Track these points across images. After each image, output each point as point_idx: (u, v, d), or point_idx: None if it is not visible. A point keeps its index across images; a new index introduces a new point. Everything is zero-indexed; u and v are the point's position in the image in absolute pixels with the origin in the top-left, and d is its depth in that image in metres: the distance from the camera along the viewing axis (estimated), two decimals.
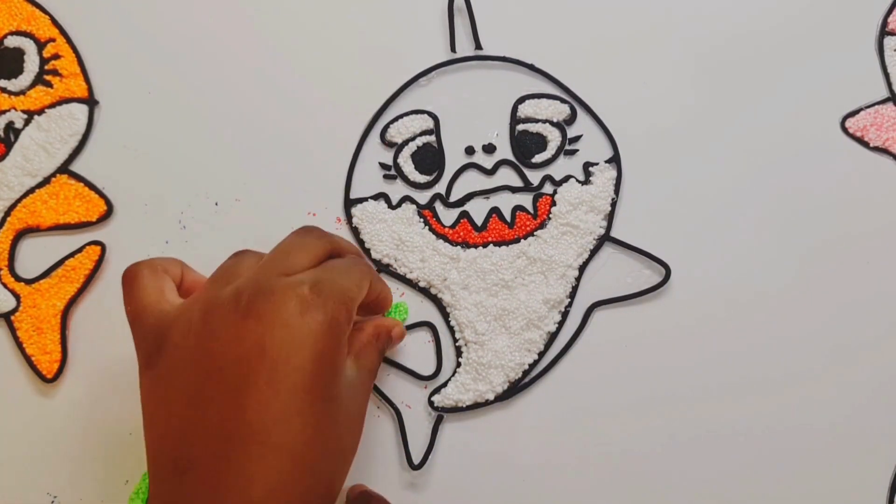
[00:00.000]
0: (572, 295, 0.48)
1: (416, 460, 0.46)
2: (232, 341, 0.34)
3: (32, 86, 0.50)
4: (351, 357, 0.38)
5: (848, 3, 0.51)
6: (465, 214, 0.49)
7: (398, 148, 0.49)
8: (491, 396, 0.47)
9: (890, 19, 0.50)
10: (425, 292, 0.48)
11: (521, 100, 0.50)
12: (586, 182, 0.49)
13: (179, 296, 0.39)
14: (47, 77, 0.50)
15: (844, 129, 0.49)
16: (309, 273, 0.36)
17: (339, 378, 0.36)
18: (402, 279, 0.48)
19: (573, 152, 0.50)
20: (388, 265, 0.48)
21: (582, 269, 0.48)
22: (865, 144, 0.49)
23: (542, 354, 0.47)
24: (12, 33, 0.50)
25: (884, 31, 0.50)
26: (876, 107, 0.50)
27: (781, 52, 0.50)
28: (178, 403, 0.34)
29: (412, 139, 0.50)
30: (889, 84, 0.50)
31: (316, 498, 0.34)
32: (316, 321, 0.34)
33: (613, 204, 0.49)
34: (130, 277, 0.38)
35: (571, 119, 0.50)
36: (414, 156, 0.49)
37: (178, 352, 0.35)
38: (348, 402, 0.37)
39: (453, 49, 0.51)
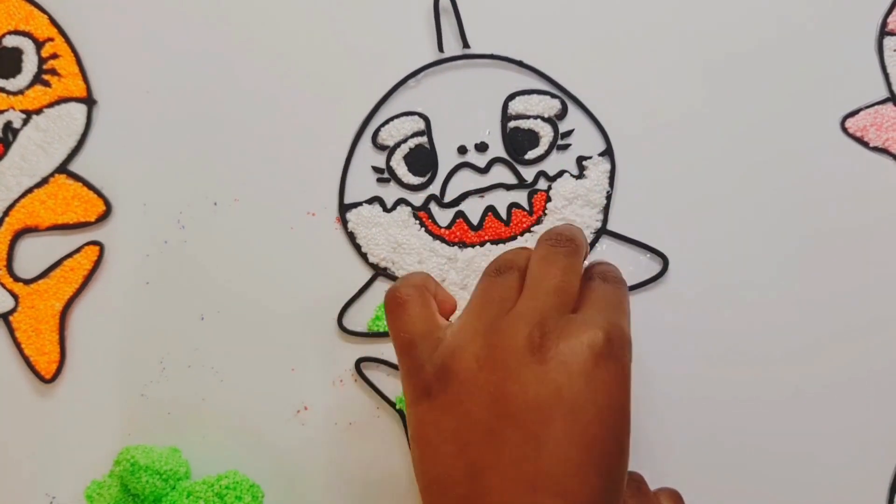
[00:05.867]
0: None
1: None
2: (528, 385, 0.33)
3: (31, 85, 0.50)
4: None
5: (848, 4, 0.51)
6: (460, 214, 0.49)
7: (390, 150, 0.49)
8: None
9: (890, 19, 0.50)
10: None
11: (512, 97, 0.50)
12: (580, 176, 0.49)
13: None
14: (45, 77, 0.50)
15: (844, 130, 0.49)
16: (595, 315, 0.36)
17: (628, 428, 0.35)
18: None
19: (566, 147, 0.50)
20: (385, 269, 0.48)
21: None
22: (865, 144, 0.49)
23: None
24: (10, 33, 0.50)
25: (883, 31, 0.50)
26: (876, 107, 0.49)
27: (780, 51, 0.50)
28: (469, 439, 0.34)
29: (404, 141, 0.49)
30: (889, 84, 0.50)
31: None
32: (611, 373, 0.34)
33: (608, 197, 0.49)
34: (399, 305, 0.38)
35: (562, 114, 0.50)
36: (406, 158, 0.49)
37: (467, 386, 0.35)
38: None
39: (441, 49, 0.50)
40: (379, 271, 0.48)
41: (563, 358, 0.33)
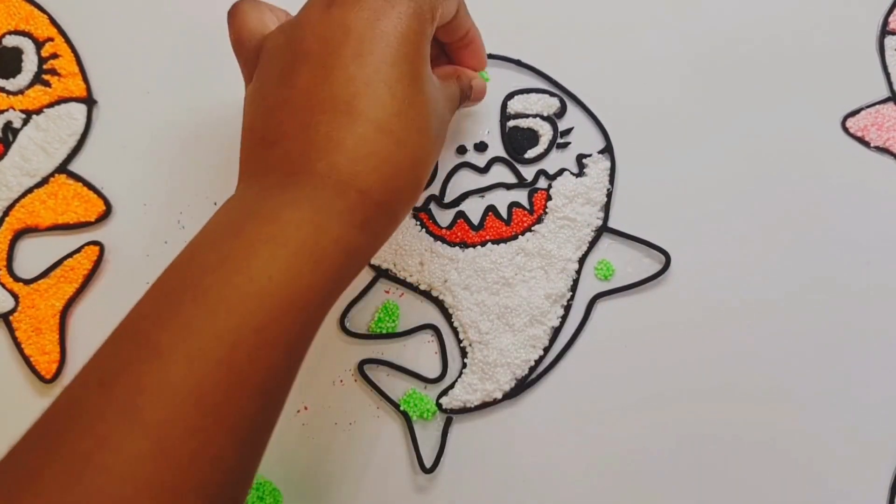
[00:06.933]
0: (573, 288, 0.48)
1: (428, 464, 0.46)
2: (317, 27, 0.35)
3: (31, 85, 0.50)
4: (434, 76, 0.39)
5: (848, 4, 0.51)
6: (461, 214, 0.48)
7: None
8: (499, 395, 0.47)
9: (890, 19, 0.50)
10: (426, 295, 0.48)
11: (510, 96, 0.50)
12: (581, 174, 0.49)
13: None
14: (46, 77, 0.50)
15: (845, 129, 0.49)
16: None
17: (423, 61, 0.37)
18: (403, 283, 0.48)
19: (565, 145, 0.49)
20: (387, 270, 0.48)
21: (582, 261, 0.48)
22: (866, 144, 0.49)
23: (547, 350, 0.47)
24: (11, 32, 0.50)
25: (884, 31, 0.50)
26: (877, 106, 0.49)
27: (781, 50, 0.50)
28: (268, 90, 0.36)
29: None
30: (890, 84, 0.50)
31: (401, 171, 0.35)
32: (401, 5, 0.35)
33: (609, 194, 0.49)
34: (233, 11, 0.40)
35: (561, 112, 0.50)
36: None
37: (270, 53, 0.37)
38: (433, 96, 0.38)
39: None
40: (380, 273, 0.48)
41: (351, 3, 0.35)
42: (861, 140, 0.49)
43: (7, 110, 0.50)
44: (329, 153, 0.34)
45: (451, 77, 0.43)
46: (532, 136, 0.49)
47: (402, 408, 0.47)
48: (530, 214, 0.48)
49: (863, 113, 0.49)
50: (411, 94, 0.36)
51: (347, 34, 0.35)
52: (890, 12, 0.50)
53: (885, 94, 0.50)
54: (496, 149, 0.49)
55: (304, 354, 0.34)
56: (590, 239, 0.48)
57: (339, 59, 0.35)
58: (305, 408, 0.47)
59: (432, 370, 0.47)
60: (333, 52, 0.35)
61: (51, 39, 0.50)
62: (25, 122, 0.49)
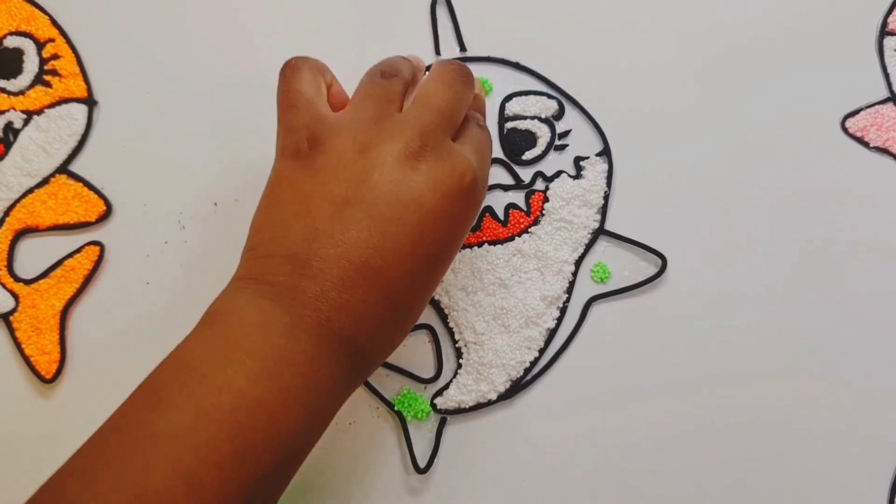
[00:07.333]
0: (570, 290, 0.48)
1: (422, 464, 0.46)
2: (394, 183, 0.36)
3: (32, 86, 0.50)
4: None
5: (848, 4, 0.51)
6: None
7: None
8: (493, 396, 0.47)
9: (890, 19, 0.50)
10: None
11: (508, 98, 0.50)
12: (578, 176, 0.49)
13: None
14: (46, 77, 0.50)
15: (844, 129, 0.49)
16: (470, 153, 0.39)
17: (455, 255, 0.40)
18: None
19: (563, 147, 0.49)
20: None
21: (578, 263, 0.48)
22: (866, 144, 0.49)
23: (542, 351, 0.47)
24: (12, 33, 0.50)
25: (884, 32, 0.50)
26: (876, 107, 0.49)
27: (780, 51, 0.50)
28: (319, 207, 0.36)
29: None
30: (889, 84, 0.50)
31: (403, 334, 0.39)
32: (469, 207, 0.38)
33: (606, 197, 0.49)
34: (293, 69, 0.40)
35: (559, 114, 0.50)
36: None
37: (336, 161, 0.37)
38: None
39: (438, 52, 0.51)
40: None
41: (434, 175, 0.37)
42: (860, 140, 0.49)
43: (8, 111, 0.50)
44: (352, 320, 0.35)
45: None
46: (530, 138, 0.49)
47: (396, 408, 0.47)
48: (527, 216, 0.48)
49: (862, 113, 0.49)
50: (438, 280, 0.39)
51: (418, 215, 0.36)
52: (889, 12, 0.50)
53: (885, 94, 0.50)
54: (494, 150, 0.49)
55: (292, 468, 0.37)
56: (586, 241, 0.48)
57: (399, 235, 0.36)
58: None
59: (427, 370, 0.47)
60: (398, 222, 0.36)
61: (52, 40, 0.51)
62: (26, 122, 0.50)
